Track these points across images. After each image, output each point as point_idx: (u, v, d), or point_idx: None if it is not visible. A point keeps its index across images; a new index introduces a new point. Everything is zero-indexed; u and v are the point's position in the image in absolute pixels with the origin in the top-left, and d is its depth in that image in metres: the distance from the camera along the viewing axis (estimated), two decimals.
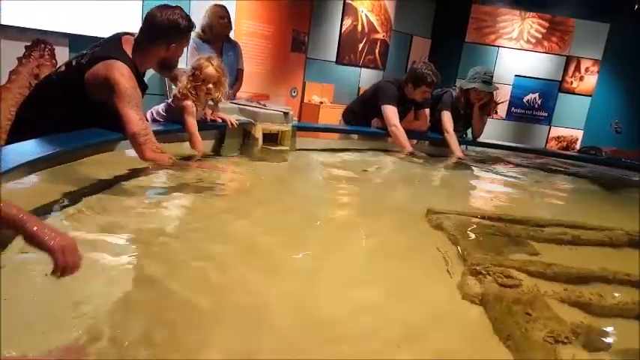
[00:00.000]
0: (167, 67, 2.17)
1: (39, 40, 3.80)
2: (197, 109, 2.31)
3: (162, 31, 1.98)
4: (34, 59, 3.81)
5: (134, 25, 4.13)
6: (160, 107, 2.48)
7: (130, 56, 1.95)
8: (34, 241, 0.93)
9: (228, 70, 3.58)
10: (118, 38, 2.00)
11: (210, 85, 2.30)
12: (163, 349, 0.85)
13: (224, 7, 3.64)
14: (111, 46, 1.95)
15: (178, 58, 2.16)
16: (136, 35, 2.04)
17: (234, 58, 3.74)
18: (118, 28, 4.15)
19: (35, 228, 0.93)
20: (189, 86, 2.27)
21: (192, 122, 2.26)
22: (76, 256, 0.96)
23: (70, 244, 0.95)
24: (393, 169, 3.07)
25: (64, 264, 0.92)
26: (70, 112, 1.90)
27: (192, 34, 3.55)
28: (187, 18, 2.04)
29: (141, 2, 4.25)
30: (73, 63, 1.93)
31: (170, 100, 2.39)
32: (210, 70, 2.29)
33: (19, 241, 1.15)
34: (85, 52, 1.95)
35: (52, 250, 0.92)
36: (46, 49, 3.86)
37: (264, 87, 5.49)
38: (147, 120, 2.38)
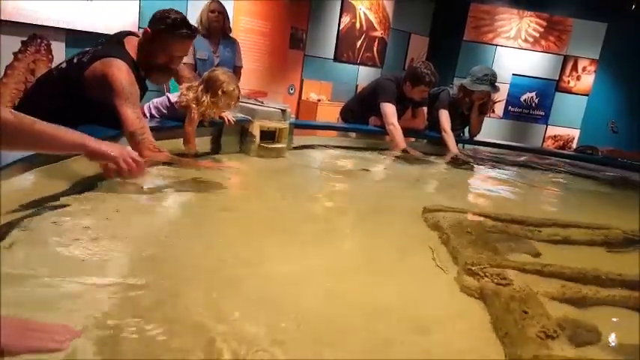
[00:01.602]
0: (149, 68, 2.04)
1: (35, 35, 3.79)
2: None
3: (151, 23, 1.98)
4: (31, 54, 3.80)
5: (131, 21, 4.15)
6: (159, 101, 2.46)
7: (132, 56, 1.94)
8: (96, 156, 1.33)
9: (224, 66, 3.62)
10: (120, 38, 1.99)
11: (225, 99, 2.27)
12: (159, 346, 0.86)
13: (218, 1, 3.64)
14: (112, 45, 1.94)
15: (162, 60, 2.03)
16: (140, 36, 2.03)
17: (231, 54, 3.74)
18: (115, 23, 4.16)
19: (95, 145, 1.32)
20: (204, 101, 2.22)
21: (193, 129, 2.26)
22: (136, 161, 1.44)
23: (126, 151, 1.40)
24: (390, 167, 3.07)
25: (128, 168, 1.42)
26: (69, 108, 1.89)
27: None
28: (178, 17, 1.97)
29: None
30: (75, 60, 1.93)
31: (174, 100, 2.37)
32: (235, 93, 2.26)
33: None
34: (87, 49, 1.95)
35: (114, 158, 1.37)
36: (43, 44, 3.85)
37: (262, 84, 5.50)
38: (145, 115, 2.38)
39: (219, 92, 2.22)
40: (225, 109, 2.34)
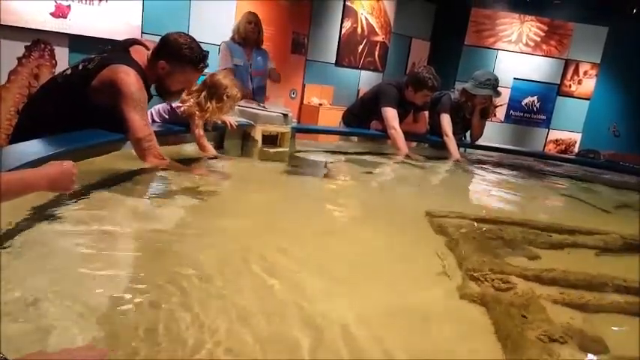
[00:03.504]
0: (163, 92, 2.09)
1: (39, 41, 3.81)
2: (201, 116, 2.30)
3: (162, 48, 1.99)
4: (34, 59, 3.82)
5: (135, 26, 4.17)
6: (161, 107, 2.47)
7: (140, 65, 1.95)
8: (27, 191, 1.12)
9: (260, 74, 3.92)
10: (126, 46, 2.00)
11: (230, 103, 2.27)
12: (162, 349, 0.86)
13: (254, 13, 3.90)
14: (119, 53, 1.95)
15: (176, 88, 2.08)
16: (147, 47, 2.04)
17: (262, 63, 3.98)
18: (118, 28, 4.18)
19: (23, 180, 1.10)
20: (209, 108, 2.23)
21: (201, 133, 2.27)
22: (69, 181, 1.21)
23: (58, 173, 1.18)
24: (391, 171, 3.07)
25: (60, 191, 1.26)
26: (73, 115, 1.90)
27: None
28: (195, 50, 1.97)
29: (141, 3, 4.26)
30: (80, 67, 1.93)
31: (176, 106, 2.38)
32: (239, 96, 2.27)
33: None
34: (92, 56, 1.95)
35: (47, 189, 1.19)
36: (46, 50, 3.88)
37: None
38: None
39: (225, 97, 2.23)
40: (228, 112, 2.35)
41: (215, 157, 2.30)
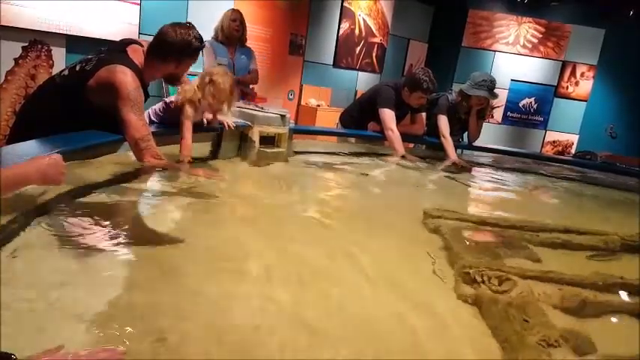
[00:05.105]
0: (174, 81, 2.23)
1: (36, 41, 3.80)
2: (196, 111, 2.28)
3: (174, 49, 2.01)
4: (31, 60, 3.81)
5: (132, 26, 4.17)
6: (157, 107, 2.47)
7: (137, 64, 1.95)
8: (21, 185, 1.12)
9: (240, 71, 3.74)
10: (123, 46, 2.00)
11: (219, 99, 2.27)
12: (159, 350, 0.86)
13: (237, 10, 3.81)
14: (116, 53, 1.95)
15: (185, 72, 2.23)
16: (144, 46, 2.05)
17: (246, 60, 3.89)
18: (116, 28, 4.17)
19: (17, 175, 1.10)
20: (192, 87, 2.25)
21: (187, 126, 2.23)
22: (59, 173, 1.20)
23: (48, 166, 1.16)
24: (389, 172, 3.08)
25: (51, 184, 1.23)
26: (71, 115, 1.90)
27: (209, 36, 3.69)
28: (200, 38, 2.08)
29: (138, 3, 4.26)
30: (77, 68, 1.93)
31: (169, 101, 2.38)
32: (224, 86, 2.25)
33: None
34: (90, 56, 1.95)
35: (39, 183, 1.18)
36: (43, 50, 3.87)
37: (262, 90, 5.50)
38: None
39: (207, 79, 2.24)
40: (210, 100, 2.24)
41: (181, 161, 2.21)
